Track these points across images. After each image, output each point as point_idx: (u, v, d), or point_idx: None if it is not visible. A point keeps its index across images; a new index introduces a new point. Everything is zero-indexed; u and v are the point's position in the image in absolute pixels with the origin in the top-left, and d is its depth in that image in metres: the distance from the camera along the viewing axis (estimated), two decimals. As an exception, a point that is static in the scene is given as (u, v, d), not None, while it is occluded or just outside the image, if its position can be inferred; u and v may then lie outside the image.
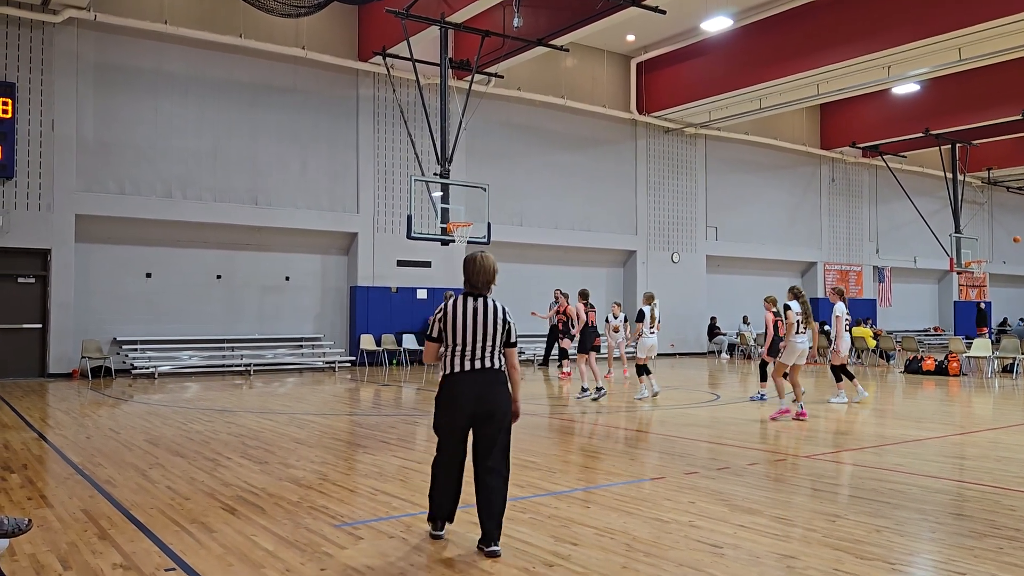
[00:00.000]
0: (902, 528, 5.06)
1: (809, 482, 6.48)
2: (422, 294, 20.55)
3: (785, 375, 10.54)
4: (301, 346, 19.20)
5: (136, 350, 17.04)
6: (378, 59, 18.77)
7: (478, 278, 4.66)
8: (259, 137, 18.55)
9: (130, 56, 17.12)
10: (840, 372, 12.35)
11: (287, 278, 19.31)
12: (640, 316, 12.95)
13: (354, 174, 19.73)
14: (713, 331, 25.40)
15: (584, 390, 12.52)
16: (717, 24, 18.82)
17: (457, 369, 4.50)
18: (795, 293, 10.71)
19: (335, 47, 19.30)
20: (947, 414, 11.70)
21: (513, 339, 4.64)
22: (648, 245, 24.47)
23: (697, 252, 25.56)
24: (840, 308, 12.33)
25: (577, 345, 12.90)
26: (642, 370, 12.44)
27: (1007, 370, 18.47)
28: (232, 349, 18.11)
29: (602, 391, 12.46)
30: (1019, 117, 22.48)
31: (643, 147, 24.44)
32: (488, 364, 4.51)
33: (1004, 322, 31.66)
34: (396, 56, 18.35)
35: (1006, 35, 17.12)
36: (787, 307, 10.56)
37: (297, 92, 19.01)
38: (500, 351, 4.57)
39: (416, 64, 17.37)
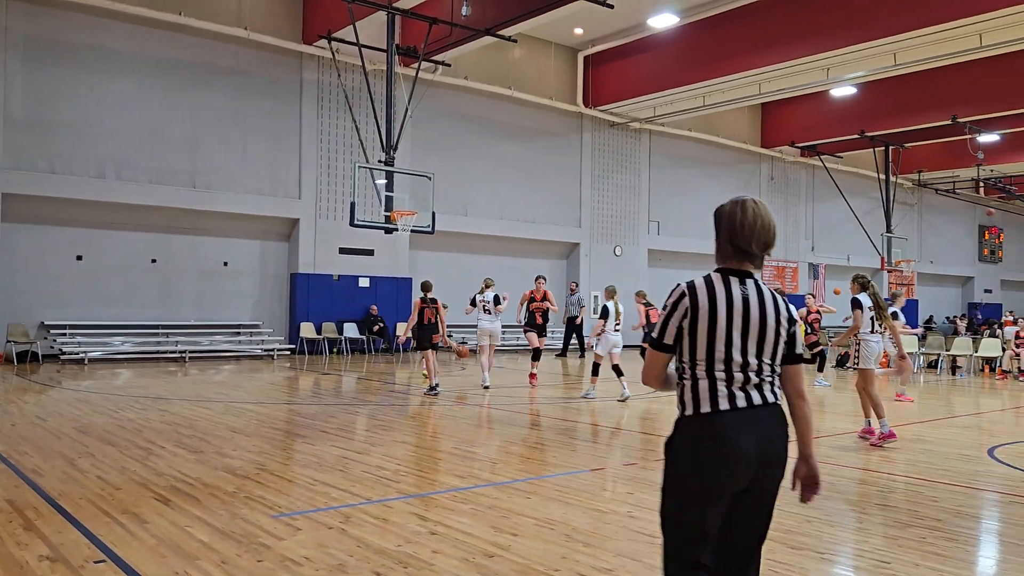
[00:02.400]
0: (831, 519, 5.22)
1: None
2: (364, 282, 20.35)
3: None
4: (239, 333, 18.83)
5: (65, 335, 16.48)
6: (323, 43, 18.46)
7: (752, 237, 2.66)
8: (199, 119, 18.08)
9: (63, 31, 16.49)
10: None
11: (225, 263, 18.90)
12: (604, 312, 12.12)
13: (296, 159, 19.40)
14: (652, 324, 25.75)
15: (432, 388, 11.85)
16: (663, 21, 19.03)
17: (724, 406, 2.56)
18: (862, 283, 8.59)
19: (279, 29, 18.91)
20: (875, 408, 12.08)
21: (799, 348, 2.75)
22: (591, 238, 24.66)
23: (639, 245, 25.86)
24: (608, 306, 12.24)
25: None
26: (596, 369, 11.97)
27: (932, 366, 19.19)
28: (167, 335, 17.66)
29: (435, 387, 11.71)
30: (949, 122, 23.28)
31: (588, 140, 24.60)
32: (769, 395, 2.64)
33: (930, 320, 32.83)
34: (342, 40, 18.07)
35: (939, 42, 17.70)
36: (856, 301, 8.48)
37: (239, 74, 18.58)
38: (778, 371, 2.70)
39: (362, 49, 17.13)
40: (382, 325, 20.20)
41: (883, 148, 27.91)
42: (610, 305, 11.72)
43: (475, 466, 6.67)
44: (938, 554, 4.48)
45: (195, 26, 17.57)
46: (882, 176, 28.50)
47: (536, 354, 13.89)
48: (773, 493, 2.65)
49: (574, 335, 21.05)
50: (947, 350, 18.30)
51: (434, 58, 18.98)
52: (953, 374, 17.90)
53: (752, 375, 2.61)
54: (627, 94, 22.98)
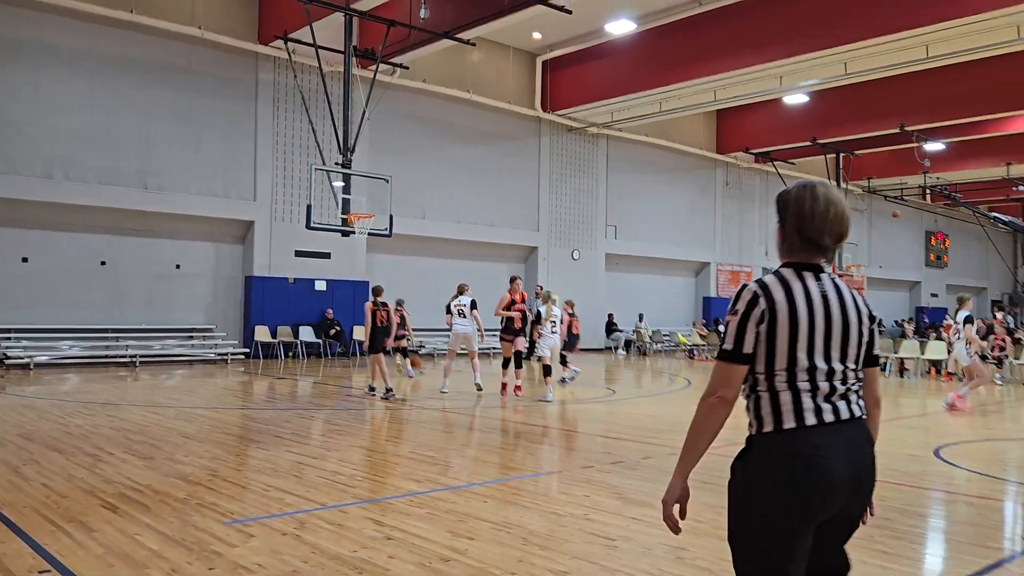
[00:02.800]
0: (784, 519, 5.30)
1: (699, 475, 6.65)
2: (321, 285, 20.15)
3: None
4: (192, 337, 18.50)
5: (10, 339, 16.01)
6: (279, 43, 18.24)
7: (825, 228, 2.38)
8: (151, 118, 17.73)
9: (8, 26, 16.04)
10: None
11: (177, 266, 18.55)
12: (537, 316, 12.79)
13: (251, 160, 19.14)
14: (611, 328, 25.92)
15: (371, 390, 11.98)
16: (621, 27, 19.18)
17: (811, 420, 2.25)
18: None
19: (234, 28, 18.65)
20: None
21: (876, 349, 2.46)
22: (549, 242, 24.75)
23: (597, 250, 26.03)
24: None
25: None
26: (547, 370, 12.17)
27: (882, 368, 19.59)
28: (116, 339, 17.27)
29: (391, 392, 11.70)
30: (897, 130, 23.86)
31: (547, 144, 24.70)
32: (855, 408, 2.34)
33: (880, 323, 33.55)
34: (298, 41, 17.88)
35: (887, 52, 18.14)
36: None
37: (192, 73, 18.28)
38: (861, 377, 2.41)
39: (319, 51, 16.98)
40: (338, 329, 20.02)
41: (834, 155, 28.49)
42: (542, 309, 12.34)
43: (432, 470, 6.64)
44: (885, 552, 4.58)
45: (147, 24, 17.24)
46: (833, 182, 29.04)
47: (517, 361, 12.46)
48: (856, 524, 2.34)
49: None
50: (895, 353, 18.73)
51: (392, 60, 18.89)
52: (901, 376, 18.33)
53: (838, 384, 2.30)
54: (585, 99, 23.13)
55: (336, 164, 17.17)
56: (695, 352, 25.00)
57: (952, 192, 32.64)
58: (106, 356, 16.86)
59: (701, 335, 25.76)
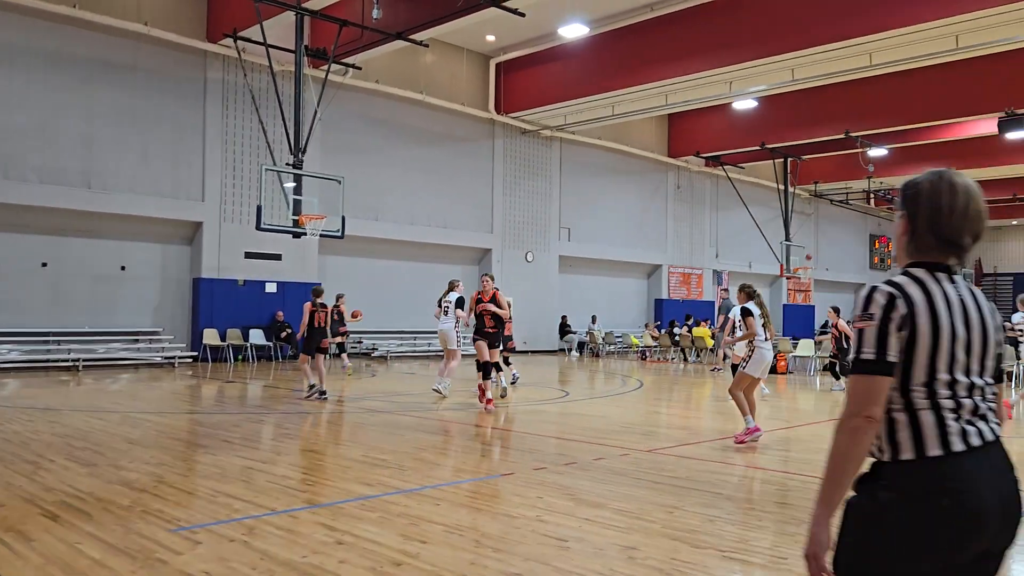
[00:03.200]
0: (733, 517, 5.38)
1: (651, 475, 6.77)
2: (271, 288, 19.87)
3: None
4: (137, 340, 18.09)
5: (-55, 343, 15.48)
6: (229, 41, 17.97)
7: (964, 226, 2.06)
8: (95, 117, 17.30)
9: (-56, 19, 15.53)
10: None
11: (123, 268, 18.13)
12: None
13: (200, 160, 18.80)
14: (564, 330, 26.05)
15: (312, 387, 11.86)
16: (574, 31, 19.26)
17: (958, 446, 1.94)
18: (748, 293, 9.00)
19: (181, 25, 18.30)
20: (775, 409, 12.55)
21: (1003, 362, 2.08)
22: (503, 244, 24.78)
23: (550, 252, 26.14)
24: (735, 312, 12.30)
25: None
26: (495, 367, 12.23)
27: (827, 368, 20.03)
28: (58, 343, 16.80)
29: (323, 393, 11.74)
30: (842, 136, 24.43)
31: (500, 147, 24.73)
32: (995, 427, 2.05)
33: (826, 324, 34.30)
34: (248, 40, 17.63)
35: (833, 60, 18.58)
36: (746, 311, 8.81)
37: (139, 71, 17.88)
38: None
39: (269, 50, 16.76)
40: (289, 331, 19.74)
41: (782, 160, 29.07)
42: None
43: (384, 473, 6.59)
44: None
45: (90, 19, 16.82)
46: (781, 187, 29.67)
47: (486, 369, 11.01)
48: (1001, 560, 2.01)
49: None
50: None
51: (344, 60, 18.74)
52: (847, 375, 18.73)
53: (979, 401, 2.00)
54: (538, 102, 23.23)
55: (287, 165, 16.98)
56: (647, 353, 25.25)
57: (895, 196, 33.46)
58: (47, 360, 16.39)
59: (653, 336, 26.02)
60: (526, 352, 24.76)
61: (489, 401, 10.72)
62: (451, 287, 12.72)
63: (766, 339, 8.73)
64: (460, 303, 12.43)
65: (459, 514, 5.28)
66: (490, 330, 11.17)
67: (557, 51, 22.12)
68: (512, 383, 13.87)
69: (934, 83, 21.37)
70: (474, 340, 11.24)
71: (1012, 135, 22.68)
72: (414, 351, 22.14)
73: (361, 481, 6.28)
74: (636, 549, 4.57)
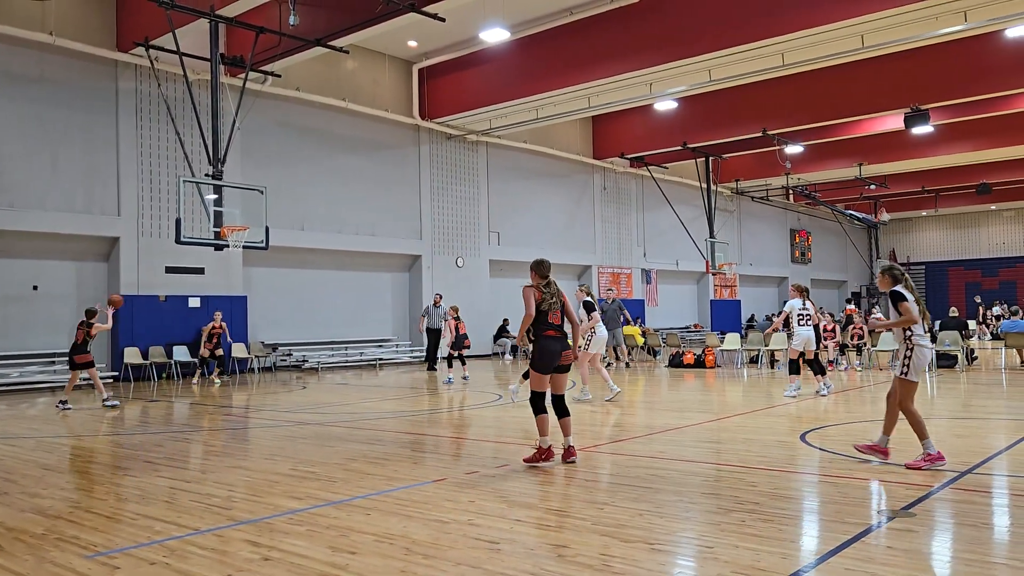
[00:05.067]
0: (661, 510, 5.46)
1: (581, 473, 6.82)
2: (194, 303, 19.33)
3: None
4: (54, 362, 17.35)
5: None
6: (141, 50, 17.44)
7: None
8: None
9: None
10: (794, 365, 12.83)
11: (35, 287, 17.39)
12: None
13: (114, 174, 18.17)
14: (503, 333, 26.08)
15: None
16: (495, 35, 19.33)
17: None
18: (895, 276, 7.04)
19: (89, 34, 17.68)
20: (704, 403, 12.81)
21: None
22: (433, 250, 24.67)
23: (481, 256, 26.14)
24: (792, 304, 12.85)
25: None
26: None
27: (753, 361, 20.57)
28: (-33, 369, 16.00)
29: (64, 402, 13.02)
30: (760, 134, 25.12)
31: (426, 152, 24.63)
32: None
33: (752, 318, 35.20)
34: (161, 48, 17.14)
35: (747, 60, 19.10)
36: (898, 295, 6.91)
37: (45, 82, 17.20)
38: None
39: (184, 58, 16.33)
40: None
41: (704, 159, 29.73)
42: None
43: (313, 486, 6.48)
44: (756, 535, 4.79)
45: (-9, 30, 16.11)
46: (704, 185, 30.34)
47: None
48: None
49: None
50: (766, 346, 19.67)
51: (263, 68, 18.41)
52: (772, 367, 19.26)
53: None
54: (463, 107, 23.23)
55: (206, 176, 16.56)
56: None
57: (812, 192, 34.64)
58: (-45, 387, 15.59)
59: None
60: (460, 357, 24.67)
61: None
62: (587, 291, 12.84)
63: (925, 332, 6.93)
64: (590, 307, 12.34)
65: (390, 523, 5.22)
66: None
67: (480, 56, 22.17)
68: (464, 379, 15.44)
69: (844, 81, 22.18)
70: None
71: (917, 130, 23.69)
72: (346, 362, 21.85)
73: (289, 495, 6.16)
74: (566, 547, 4.60)
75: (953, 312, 21.10)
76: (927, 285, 46.23)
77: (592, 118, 29.03)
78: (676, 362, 19.97)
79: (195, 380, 17.66)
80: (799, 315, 12.76)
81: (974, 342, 22.88)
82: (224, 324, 17.82)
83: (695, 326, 34.86)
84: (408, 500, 5.87)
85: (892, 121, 24.56)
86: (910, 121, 22.10)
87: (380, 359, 22.53)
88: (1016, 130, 26.64)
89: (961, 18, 16.52)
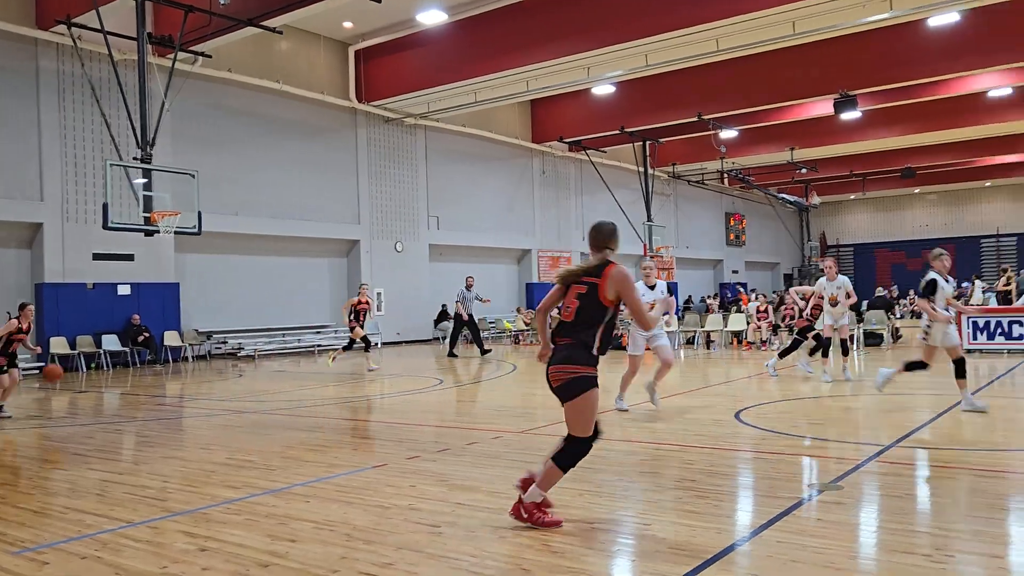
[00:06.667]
0: (601, 490, 5.54)
1: (524, 456, 6.87)
2: (124, 290, 18.76)
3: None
4: (-26, 354, 16.64)
5: None
6: (63, 28, 16.74)
7: None
8: (-91, 111, 15.74)
9: None
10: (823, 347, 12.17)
11: (-47, 276, 16.65)
12: None
13: (36, 157, 17.46)
14: (442, 318, 25.98)
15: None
16: (432, 17, 19.19)
17: None
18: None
19: (8, 11, 16.89)
20: (639, 384, 12.99)
21: None
22: (372, 234, 24.42)
23: (420, 241, 25.97)
24: (821, 284, 12.06)
25: None
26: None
27: (690, 342, 20.96)
28: None
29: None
30: (695, 119, 25.48)
31: (364, 136, 24.30)
32: None
33: (689, 300, 35.82)
34: (84, 27, 16.47)
35: (682, 46, 19.31)
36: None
37: (-41, 60, 16.40)
38: None
39: (108, 37, 15.74)
40: (147, 335, 18.76)
41: (641, 143, 30.04)
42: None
43: (251, 475, 6.38)
44: (692, 512, 4.90)
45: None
46: (641, 169, 30.67)
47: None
48: None
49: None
50: (702, 327, 20.07)
51: (192, 48, 17.85)
52: (708, 348, 19.67)
53: None
54: (400, 89, 22.97)
55: (134, 159, 16.04)
56: (520, 337, 25.57)
57: (746, 176, 35.33)
58: None
59: (525, 322, 26.38)
60: (400, 343, 24.57)
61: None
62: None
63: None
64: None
65: (330, 509, 5.19)
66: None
67: (417, 38, 21.92)
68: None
69: (776, 67, 22.62)
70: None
71: (846, 115, 24.33)
72: (284, 348, 21.53)
73: (226, 484, 6.06)
74: (508, 529, 4.63)
75: (880, 292, 21.84)
76: (855, 266, 47.73)
77: (531, 102, 29.04)
78: (616, 344, 20.19)
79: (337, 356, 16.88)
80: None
81: (899, 321, 23.72)
82: (370, 299, 16.46)
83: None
84: (348, 486, 5.84)
85: (822, 107, 25.17)
86: (839, 107, 22.68)
87: (318, 345, 22.25)
88: (938, 116, 27.60)
89: (887, 6, 17.00)
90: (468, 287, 19.89)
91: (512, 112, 28.95)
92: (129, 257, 18.74)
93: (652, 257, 31.88)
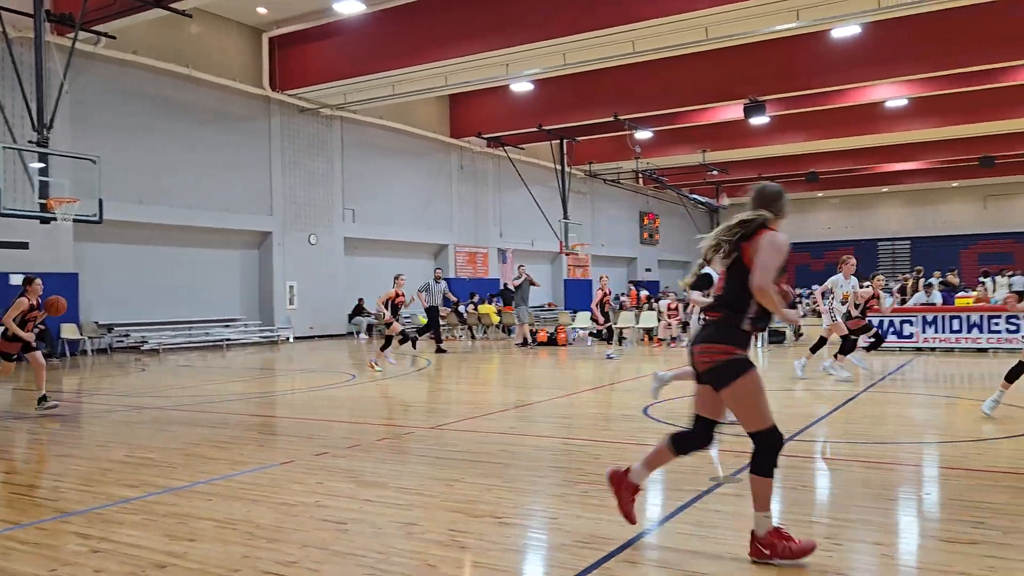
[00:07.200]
0: (511, 484, 5.58)
1: (434, 451, 6.85)
2: (17, 279, 17.80)
3: None
4: None
5: None
6: (-49, 1, 15.76)
7: None
8: None
9: None
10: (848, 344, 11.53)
11: None
12: None
13: (-79, 137, 16.41)
14: (358, 312, 25.65)
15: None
16: (349, 7, 18.90)
17: None
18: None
19: None
20: (555, 379, 13.16)
21: None
22: (285, 226, 23.89)
23: (335, 234, 25.56)
24: (837, 282, 11.65)
25: None
26: None
27: (602, 338, 21.27)
28: None
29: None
30: (612, 119, 25.87)
31: (278, 125, 23.74)
32: None
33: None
34: (-24, 1, 15.56)
35: (600, 46, 19.57)
36: None
37: None
38: None
39: (3, 13, 14.91)
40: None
41: (558, 141, 30.32)
42: None
43: (150, 473, 6.16)
44: (598, 505, 4.99)
45: None
46: (558, 167, 30.97)
47: None
48: None
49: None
50: (616, 324, 20.39)
51: (95, 28, 17.10)
52: (620, 344, 20.02)
53: None
54: (316, 79, 22.54)
55: (30, 143, 15.26)
56: (436, 332, 25.42)
57: (660, 176, 36.09)
58: None
59: (442, 316, 26.26)
60: (313, 337, 24.15)
61: None
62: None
63: None
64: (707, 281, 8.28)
65: (232, 508, 5.06)
66: None
67: (335, 27, 21.55)
68: None
69: (690, 71, 23.17)
70: None
71: (755, 120, 25.15)
72: (190, 342, 20.87)
73: (122, 483, 5.84)
74: (415, 525, 4.62)
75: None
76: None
77: (450, 96, 28.94)
78: (440, 347, 20.28)
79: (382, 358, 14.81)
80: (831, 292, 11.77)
81: (801, 319, 24.64)
82: (404, 293, 15.14)
83: (549, 305, 35.66)
84: (253, 484, 5.71)
85: (733, 111, 25.92)
86: (749, 111, 23.43)
87: (228, 339, 21.66)
88: (840, 123, 28.81)
89: (794, 16, 17.63)
90: (436, 280, 19.57)
91: (431, 106, 28.79)
92: (23, 245, 17.82)
93: (567, 254, 32.26)
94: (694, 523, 4.61)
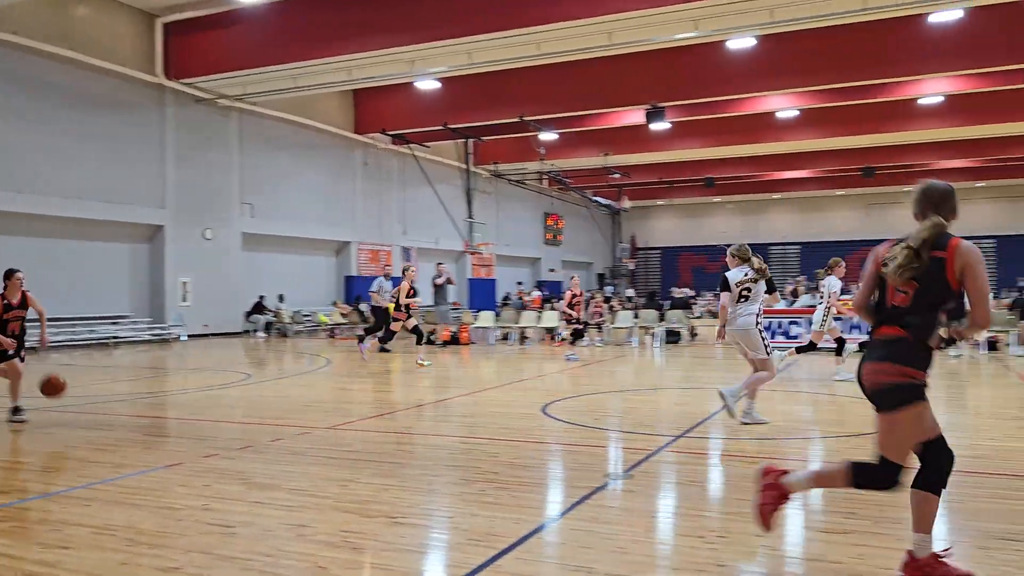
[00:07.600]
0: (406, 484, 5.54)
1: (328, 452, 6.73)
2: None
3: None
4: None
5: None
6: None
7: None
8: None
9: None
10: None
11: None
12: None
13: None
14: (258, 309, 24.92)
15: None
16: (250, -5, 18.35)
17: None
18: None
19: None
20: (457, 379, 13.15)
21: None
22: (177, 220, 22.98)
23: (232, 229, 24.76)
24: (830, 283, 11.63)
25: None
26: None
27: (505, 338, 21.43)
28: None
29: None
30: (517, 120, 26.04)
31: (171, 115, 22.81)
32: None
33: (507, 297, 36.58)
34: None
35: (506, 47, 19.66)
36: None
37: None
38: None
39: None
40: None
41: (464, 140, 30.30)
42: None
43: (24, 478, 5.83)
44: (494, 503, 5.01)
45: None
46: (463, 166, 30.96)
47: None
48: None
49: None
50: (517, 323, 20.57)
51: (-30, 5, 16.03)
52: (522, 344, 20.19)
53: None
54: (213, 68, 21.77)
55: None
56: (336, 331, 25.06)
57: (564, 178, 36.57)
58: None
59: (343, 314, 25.90)
60: (207, 335, 23.35)
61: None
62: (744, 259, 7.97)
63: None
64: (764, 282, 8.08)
65: (112, 513, 4.83)
66: None
67: (234, 15, 20.86)
68: None
69: (594, 75, 23.55)
70: None
71: (656, 125, 25.79)
72: (73, 340, 19.82)
73: (-8, 489, 5.49)
74: (306, 526, 4.53)
75: (679, 293, 23.33)
76: (662, 268, 50.77)
77: (354, 92, 28.49)
78: (431, 339, 20.27)
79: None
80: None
81: (696, 320, 25.44)
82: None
83: (453, 304, 35.57)
84: (136, 488, 5.47)
85: (634, 115, 26.49)
86: (650, 117, 23.99)
87: (116, 337, 20.69)
88: (736, 131, 29.89)
89: (693, 26, 18.17)
90: (387, 277, 18.77)
91: (334, 101, 28.28)
92: None
93: (472, 253, 32.29)
94: (587, 519, 4.68)
